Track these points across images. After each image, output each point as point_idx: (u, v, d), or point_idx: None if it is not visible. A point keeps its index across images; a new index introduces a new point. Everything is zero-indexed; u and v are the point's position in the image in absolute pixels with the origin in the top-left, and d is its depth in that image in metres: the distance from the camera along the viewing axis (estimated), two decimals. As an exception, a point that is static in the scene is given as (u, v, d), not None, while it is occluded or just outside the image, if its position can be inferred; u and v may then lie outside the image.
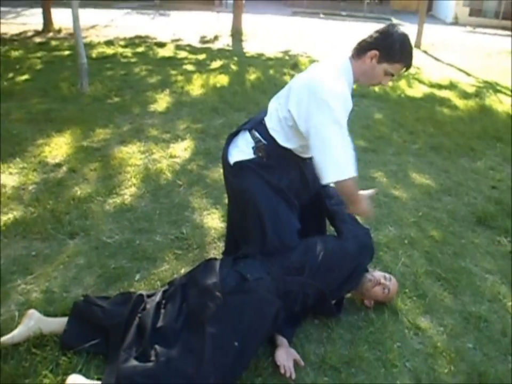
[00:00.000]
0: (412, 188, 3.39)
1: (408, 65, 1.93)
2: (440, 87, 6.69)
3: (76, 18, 5.23)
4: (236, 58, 7.74)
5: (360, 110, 5.07)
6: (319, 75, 1.86)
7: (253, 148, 1.99)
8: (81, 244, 2.48)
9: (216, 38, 10.01)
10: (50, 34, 9.38)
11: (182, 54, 8.00)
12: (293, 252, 1.95)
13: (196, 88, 5.65)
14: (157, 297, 1.89)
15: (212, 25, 11.39)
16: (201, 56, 7.84)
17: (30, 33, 9.29)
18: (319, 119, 1.79)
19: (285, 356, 1.78)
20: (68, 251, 2.41)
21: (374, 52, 1.87)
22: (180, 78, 6.14)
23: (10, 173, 3.23)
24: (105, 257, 2.38)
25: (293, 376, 1.72)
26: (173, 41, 9.27)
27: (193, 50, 8.42)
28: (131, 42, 8.76)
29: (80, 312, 1.86)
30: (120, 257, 2.39)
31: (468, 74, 8.19)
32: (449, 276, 2.39)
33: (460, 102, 5.92)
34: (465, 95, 6.34)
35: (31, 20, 10.65)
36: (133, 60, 7.25)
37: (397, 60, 1.89)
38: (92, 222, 2.69)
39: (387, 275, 2.10)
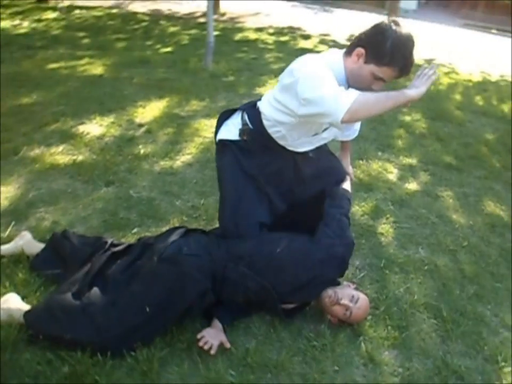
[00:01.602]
0: (476, 215, 2.86)
1: (402, 71, 1.60)
2: None
3: (209, 6, 5.58)
4: (370, 57, 7.34)
5: (470, 127, 4.43)
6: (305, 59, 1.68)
7: (239, 130, 1.89)
8: (110, 192, 2.66)
9: (364, 36, 9.60)
10: (215, 16, 10.03)
11: (321, 47, 7.85)
12: (247, 241, 1.81)
13: (310, 79, 5.53)
14: (118, 248, 1.95)
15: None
16: (339, 52, 7.61)
17: (197, 14, 10.07)
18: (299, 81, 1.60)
19: (212, 334, 1.68)
20: (95, 195, 2.60)
21: (361, 50, 1.60)
22: (301, 67, 6.07)
23: (101, 125, 3.58)
24: (121, 208, 2.51)
25: (212, 352, 1.61)
26: (320, 35, 9.16)
27: (334, 45, 8.21)
28: (279, 31, 8.89)
29: (54, 243, 2.00)
30: (133, 211, 2.50)
31: None
32: (451, 317, 1.97)
33: None
34: None
35: (205, 3, 11.48)
36: (271, 47, 7.37)
37: (386, 63, 1.58)
38: (132, 177, 2.85)
39: (356, 295, 1.81)
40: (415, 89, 1.58)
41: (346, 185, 2.17)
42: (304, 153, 2.00)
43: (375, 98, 1.56)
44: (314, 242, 1.86)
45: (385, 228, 2.60)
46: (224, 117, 1.98)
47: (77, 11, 8.27)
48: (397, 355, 1.78)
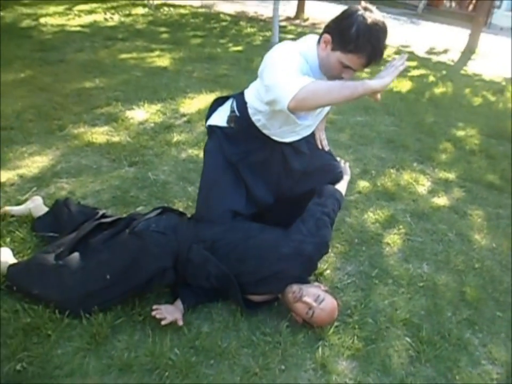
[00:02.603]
0: (502, 238, 2.57)
1: (370, 58, 1.49)
2: None
3: (276, 7, 5.66)
4: (443, 72, 6.92)
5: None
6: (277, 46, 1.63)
7: (228, 116, 1.89)
8: (130, 172, 2.78)
9: (445, 51, 9.09)
10: (297, 21, 10.07)
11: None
12: (215, 226, 1.81)
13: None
14: (107, 219, 2.03)
15: (455, 40, 10.34)
16: (413, 64, 7.28)
17: (281, 18, 10.14)
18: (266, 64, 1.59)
19: (169, 310, 1.70)
20: (115, 173, 2.74)
21: (327, 36, 1.52)
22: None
23: (147, 112, 3.76)
24: (135, 187, 2.62)
25: (163, 323, 1.62)
26: (399, 46, 8.80)
27: (411, 57, 7.86)
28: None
29: (56, 209, 2.14)
30: (145, 191, 2.60)
31: None
32: (429, 338, 1.80)
33: None
34: None
35: (292, 7, 11.49)
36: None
37: (351, 50, 1.48)
38: (156, 161, 2.96)
39: (322, 296, 1.71)
40: (379, 79, 1.45)
41: (341, 186, 2.08)
42: (296, 147, 1.95)
43: (327, 87, 1.46)
44: (284, 237, 1.80)
45: (393, 239, 2.45)
46: (217, 103, 1.99)
47: (165, 8, 8.73)
48: (354, 367, 1.66)
